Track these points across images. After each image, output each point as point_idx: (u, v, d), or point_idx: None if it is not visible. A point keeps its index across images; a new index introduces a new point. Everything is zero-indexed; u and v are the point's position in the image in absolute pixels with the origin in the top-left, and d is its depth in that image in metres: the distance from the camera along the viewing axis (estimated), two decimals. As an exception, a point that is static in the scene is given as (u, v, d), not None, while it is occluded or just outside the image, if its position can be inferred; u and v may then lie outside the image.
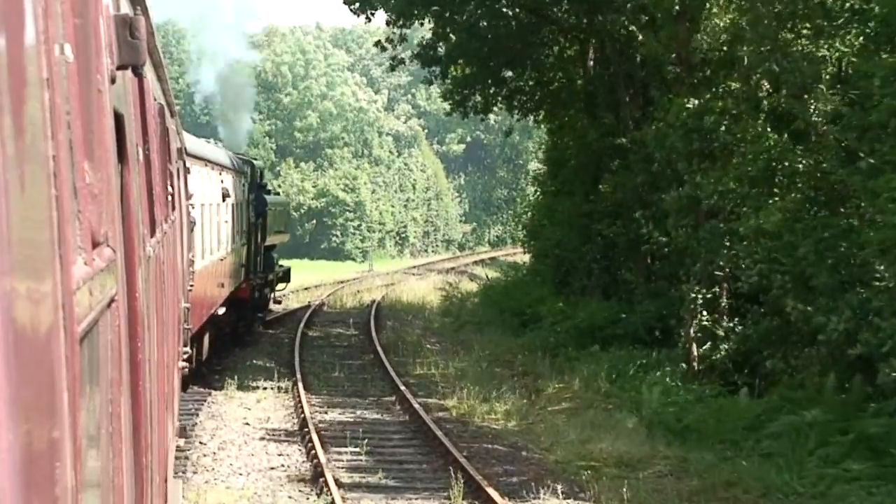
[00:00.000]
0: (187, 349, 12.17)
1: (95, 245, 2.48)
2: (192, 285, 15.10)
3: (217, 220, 23.94)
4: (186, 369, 12.41)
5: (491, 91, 39.67)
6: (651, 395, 22.66)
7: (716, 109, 23.49)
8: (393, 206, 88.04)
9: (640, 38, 28.78)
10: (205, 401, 23.26)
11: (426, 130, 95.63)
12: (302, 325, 36.16)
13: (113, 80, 3.02)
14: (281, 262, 40.57)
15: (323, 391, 25.26)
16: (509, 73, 39.84)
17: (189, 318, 12.76)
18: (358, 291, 50.36)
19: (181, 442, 13.64)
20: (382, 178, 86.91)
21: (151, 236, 4.85)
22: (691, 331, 24.70)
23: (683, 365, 24.94)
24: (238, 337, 31.34)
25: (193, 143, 21.36)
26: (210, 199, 22.71)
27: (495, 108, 42.48)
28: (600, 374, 25.21)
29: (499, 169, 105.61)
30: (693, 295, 24.39)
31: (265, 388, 25.10)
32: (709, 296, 24.50)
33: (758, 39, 21.81)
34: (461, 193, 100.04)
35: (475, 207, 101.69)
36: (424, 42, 36.11)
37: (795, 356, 21.17)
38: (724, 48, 23.62)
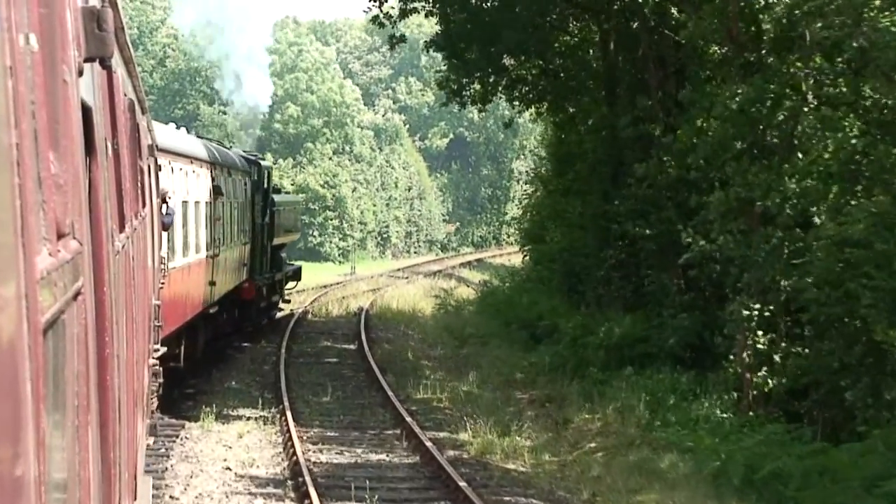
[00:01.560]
0: (158, 346, 12.08)
1: (61, 236, 2.48)
2: (163, 283, 15.01)
3: (206, 217, 23.32)
4: (158, 367, 12.04)
5: (490, 80, 36.32)
6: (705, 433, 19.22)
7: (780, 95, 20.03)
8: (374, 205, 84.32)
9: (677, 13, 25.35)
10: (177, 436, 19.65)
11: (407, 126, 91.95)
12: (286, 337, 32.58)
13: (80, 72, 3.01)
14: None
15: (315, 421, 21.69)
16: (511, 62, 36.62)
17: (160, 315, 12.60)
18: (343, 297, 46.72)
19: (151, 440, 13.04)
20: (363, 175, 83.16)
21: (121, 231, 4.77)
22: (745, 354, 21.25)
23: (735, 394, 21.53)
24: (243, 336, 31.27)
25: (181, 139, 21.16)
26: (197, 196, 22.21)
27: (493, 99, 39.16)
28: (636, 402, 21.75)
29: (483, 167, 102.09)
30: (746, 312, 20.92)
31: (248, 419, 21.51)
32: (765, 313, 21.04)
33: (836, 12, 18.36)
34: (444, 192, 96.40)
35: (458, 207, 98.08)
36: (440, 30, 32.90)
37: (889, 390, 17.67)
38: (788, 22, 20.11)
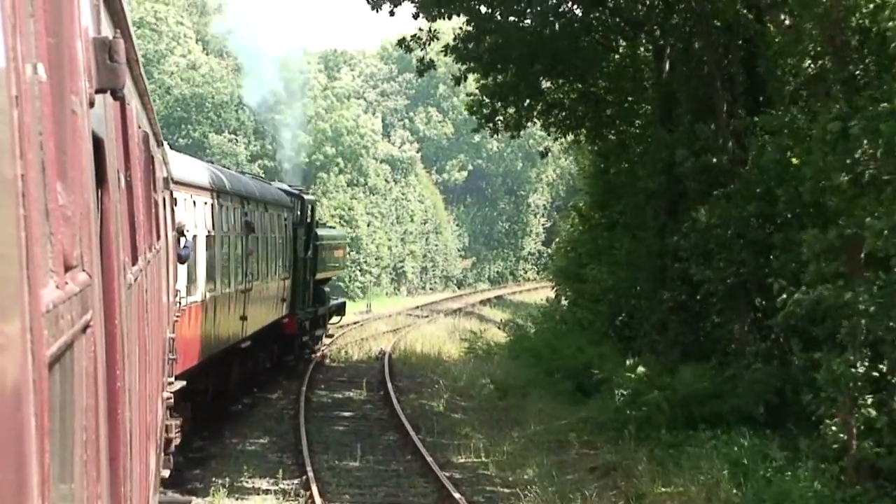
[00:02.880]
0: (172, 380, 11.89)
1: (69, 268, 2.47)
2: (178, 316, 14.88)
3: (238, 252, 23.18)
4: (171, 400, 11.76)
5: (525, 104, 33.42)
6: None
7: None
8: (390, 240, 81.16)
9: (756, 22, 22.33)
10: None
11: (423, 156, 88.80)
12: (304, 385, 29.48)
13: (91, 103, 3.02)
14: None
15: (345, 495, 18.53)
16: (548, 84, 33.75)
17: (175, 348, 12.42)
18: (362, 339, 43.52)
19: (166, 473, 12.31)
20: (378, 209, 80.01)
21: (133, 264, 4.76)
22: (848, 418, 18.11)
23: (837, 465, 18.36)
24: (286, 370, 31.07)
25: (203, 173, 20.81)
26: (225, 230, 21.81)
27: (527, 126, 36.23)
28: (720, 473, 18.60)
29: (499, 200, 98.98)
30: (853, 370, 17.78)
31: (266, 493, 18.36)
32: (874, 373, 17.91)
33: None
34: (460, 226, 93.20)
35: (475, 241, 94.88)
36: (462, 34, 29.69)
37: None
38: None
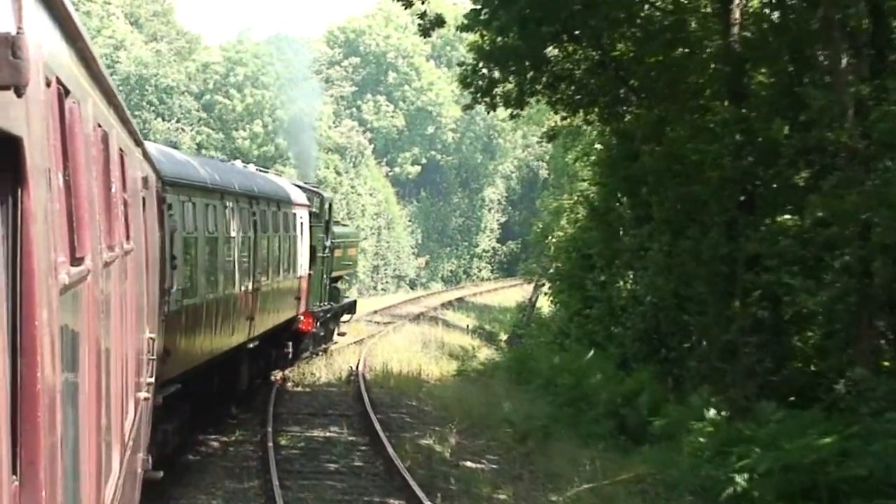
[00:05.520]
0: (151, 379, 11.64)
1: None
2: (165, 317, 15.15)
3: (249, 250, 23.18)
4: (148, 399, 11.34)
5: (528, 76, 27.92)
6: None
7: None
8: (340, 236, 75.01)
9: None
10: None
11: (374, 147, 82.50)
12: (269, 423, 23.34)
13: None
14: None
15: None
16: (556, 51, 28.30)
17: (154, 349, 12.18)
18: (324, 352, 37.30)
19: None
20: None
21: (74, 264, 4.65)
22: None
23: None
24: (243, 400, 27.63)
25: (207, 172, 20.63)
26: (231, 231, 21.57)
27: (532, 101, 30.51)
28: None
29: (453, 194, 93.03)
30: None
31: None
32: None
33: None
34: (413, 222, 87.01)
35: (428, 238, 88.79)
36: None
37: None
38: None
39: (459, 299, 70.14)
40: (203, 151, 65.64)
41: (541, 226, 53.65)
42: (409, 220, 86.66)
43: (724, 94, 21.90)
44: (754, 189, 20.71)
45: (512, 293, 76.74)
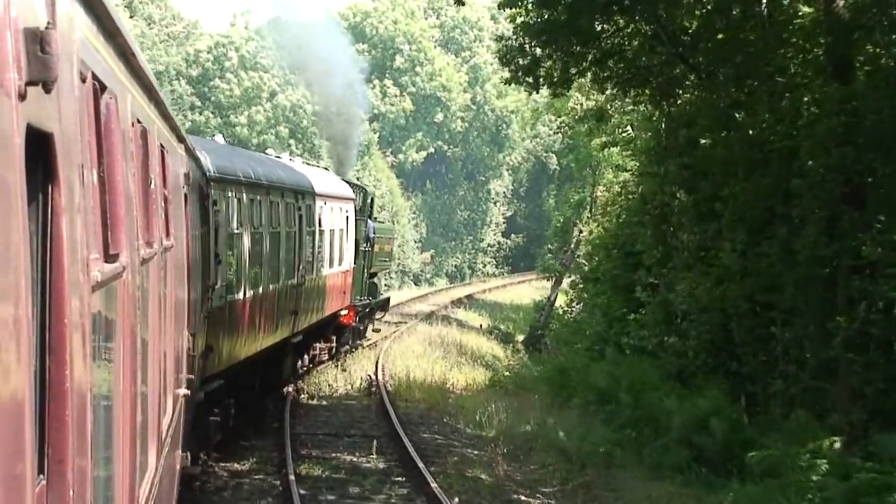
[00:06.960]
0: (191, 376, 11.52)
1: None
2: (207, 314, 15.10)
3: (297, 245, 23.41)
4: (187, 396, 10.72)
5: (574, 52, 25.28)
6: None
7: None
8: (344, 229, 71.84)
9: None
10: None
11: (378, 136, 79.22)
12: (288, 449, 20.18)
13: (22, 96, 2.90)
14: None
15: None
16: (605, 26, 25.67)
17: (194, 344, 12.13)
18: (335, 356, 34.11)
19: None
20: (331, 195, 70.64)
21: (107, 262, 4.53)
22: None
23: None
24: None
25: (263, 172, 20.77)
26: (276, 226, 21.42)
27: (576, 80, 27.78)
28: None
29: (458, 186, 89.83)
30: None
31: None
32: None
33: None
34: (418, 215, 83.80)
35: (433, 232, 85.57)
36: None
37: None
38: None
39: (469, 296, 67.12)
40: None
41: (562, 220, 50.61)
42: (414, 213, 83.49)
43: (824, 70, 18.78)
44: (864, 181, 17.63)
45: (522, 290, 73.67)
